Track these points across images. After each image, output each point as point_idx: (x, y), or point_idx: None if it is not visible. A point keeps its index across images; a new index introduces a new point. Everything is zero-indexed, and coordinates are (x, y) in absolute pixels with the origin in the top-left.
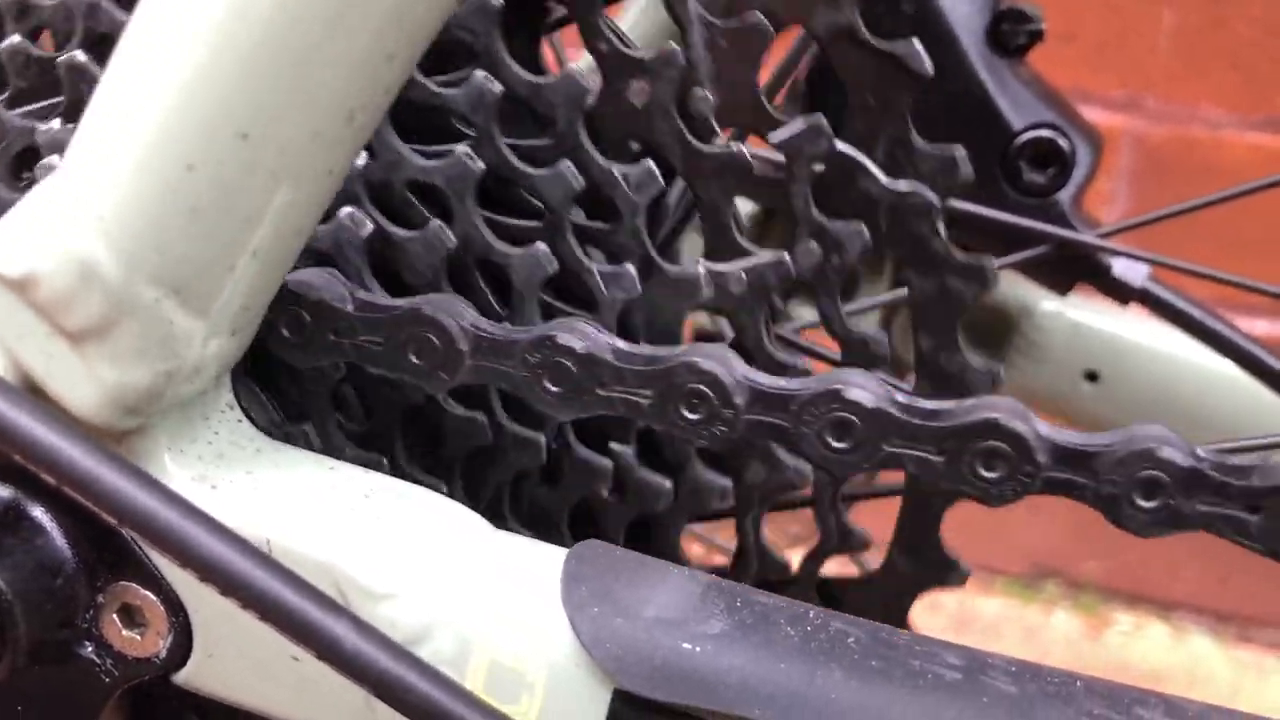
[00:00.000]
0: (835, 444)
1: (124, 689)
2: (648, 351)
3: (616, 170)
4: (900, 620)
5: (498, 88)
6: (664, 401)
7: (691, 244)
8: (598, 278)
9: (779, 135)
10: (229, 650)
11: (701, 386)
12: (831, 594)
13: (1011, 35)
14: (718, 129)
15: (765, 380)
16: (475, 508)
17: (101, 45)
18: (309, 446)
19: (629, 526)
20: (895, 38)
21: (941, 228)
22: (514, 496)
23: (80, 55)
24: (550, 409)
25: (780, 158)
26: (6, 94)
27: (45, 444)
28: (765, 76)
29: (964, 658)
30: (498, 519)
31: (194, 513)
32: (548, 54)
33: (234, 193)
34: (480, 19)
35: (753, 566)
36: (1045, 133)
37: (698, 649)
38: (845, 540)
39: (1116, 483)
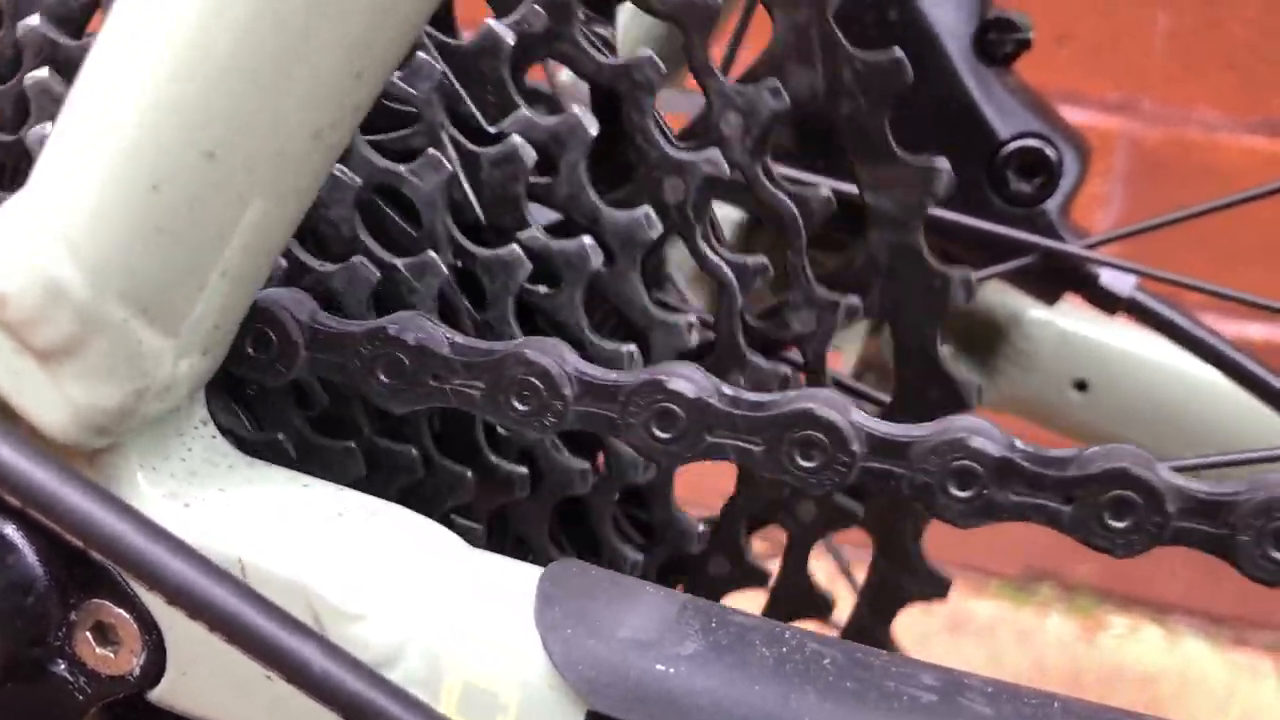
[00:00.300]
0: (660, 434)
1: (98, 707)
2: (482, 345)
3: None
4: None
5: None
6: (494, 393)
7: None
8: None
9: None
10: (203, 669)
11: (531, 378)
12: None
13: (999, 44)
14: None
15: (594, 372)
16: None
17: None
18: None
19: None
20: (880, 46)
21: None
22: None
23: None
24: (383, 401)
25: None
26: None
27: (9, 465)
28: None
29: (940, 679)
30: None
31: (162, 535)
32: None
33: (201, 212)
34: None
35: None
36: (1032, 142)
37: (671, 670)
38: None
39: (930, 472)
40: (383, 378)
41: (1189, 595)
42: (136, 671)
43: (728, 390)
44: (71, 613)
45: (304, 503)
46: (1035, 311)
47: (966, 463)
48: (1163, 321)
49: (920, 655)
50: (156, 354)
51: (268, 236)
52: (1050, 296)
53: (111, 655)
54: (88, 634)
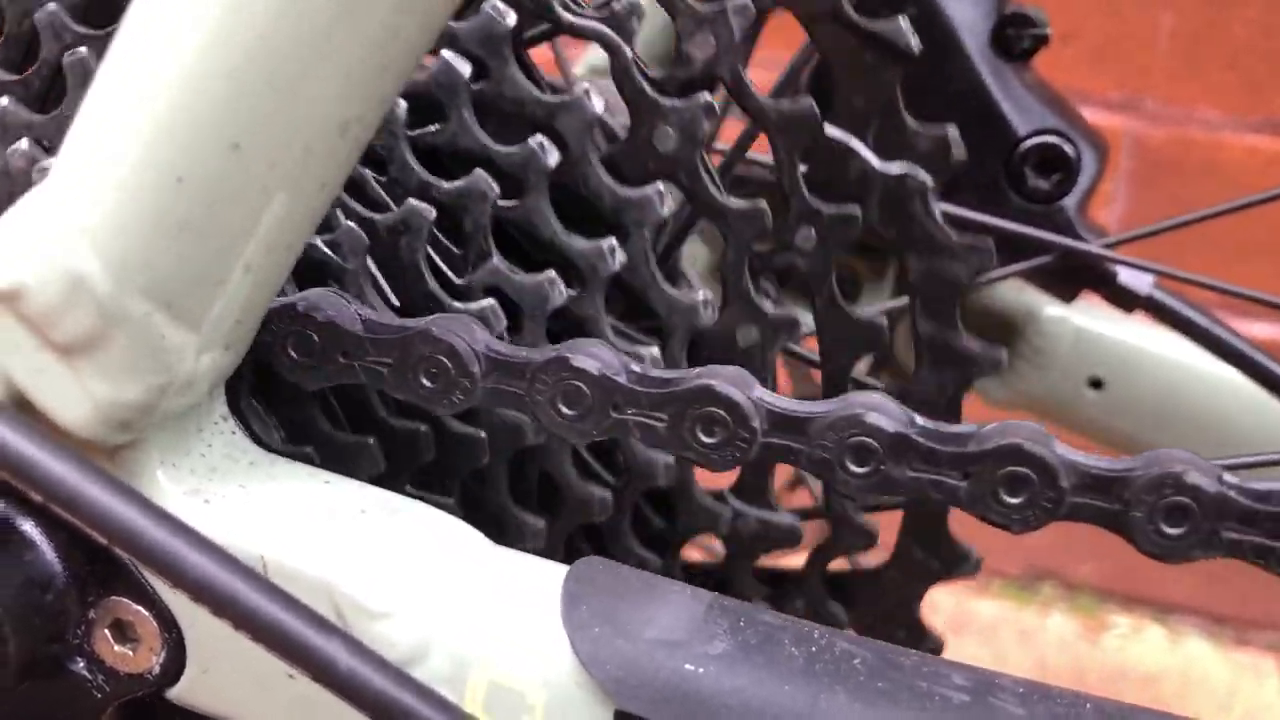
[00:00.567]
0: (566, 411)
1: (116, 705)
2: (394, 322)
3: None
4: (910, 614)
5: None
6: (403, 370)
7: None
8: None
9: None
10: (224, 667)
11: (439, 356)
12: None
13: (1016, 39)
14: None
15: (502, 349)
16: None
17: None
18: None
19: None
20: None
21: (935, 207)
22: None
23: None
24: (295, 377)
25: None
26: None
27: (31, 461)
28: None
29: (971, 679)
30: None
31: (185, 531)
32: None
33: (225, 206)
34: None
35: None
36: (1050, 138)
37: (700, 670)
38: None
39: (828, 448)
40: (292, 354)
41: (1191, 595)
42: (156, 669)
43: (635, 367)
44: (90, 610)
45: (326, 499)
46: (1051, 309)
47: (863, 438)
48: (1181, 320)
49: None
50: (179, 349)
51: (291, 230)
52: (1068, 294)
53: (130, 653)
54: (106, 631)
